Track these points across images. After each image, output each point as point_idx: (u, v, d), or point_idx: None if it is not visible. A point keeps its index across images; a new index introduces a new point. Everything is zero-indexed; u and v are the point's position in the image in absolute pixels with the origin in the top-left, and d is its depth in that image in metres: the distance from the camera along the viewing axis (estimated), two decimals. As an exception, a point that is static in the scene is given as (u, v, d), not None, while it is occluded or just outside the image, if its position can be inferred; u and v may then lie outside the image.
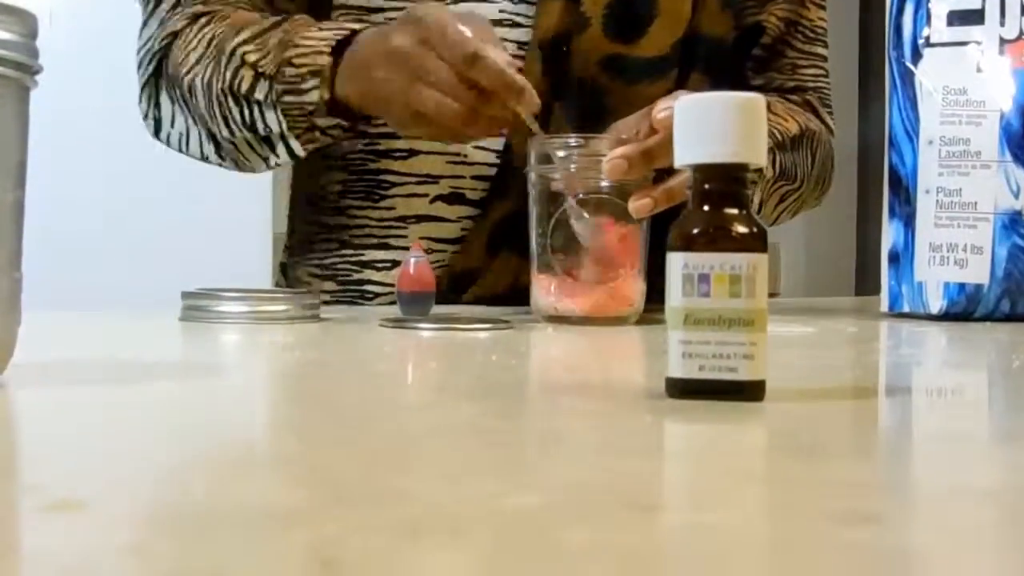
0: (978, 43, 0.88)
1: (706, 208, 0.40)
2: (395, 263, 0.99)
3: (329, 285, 1.04)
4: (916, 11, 0.91)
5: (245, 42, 0.89)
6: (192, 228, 1.96)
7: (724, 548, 0.22)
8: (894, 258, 0.90)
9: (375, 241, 1.01)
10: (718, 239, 0.39)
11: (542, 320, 0.79)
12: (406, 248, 0.96)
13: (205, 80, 0.92)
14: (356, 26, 0.87)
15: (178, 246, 2.07)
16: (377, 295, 1.01)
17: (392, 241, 1.00)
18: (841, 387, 0.49)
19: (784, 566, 0.21)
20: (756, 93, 0.41)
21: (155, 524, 0.23)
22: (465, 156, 0.98)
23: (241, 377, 0.52)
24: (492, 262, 0.99)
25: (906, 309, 0.88)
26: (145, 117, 1.01)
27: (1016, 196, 0.85)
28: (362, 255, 1.02)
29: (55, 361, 0.53)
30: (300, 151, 0.90)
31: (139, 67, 1.00)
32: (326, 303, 1.01)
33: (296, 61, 0.86)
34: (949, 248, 0.87)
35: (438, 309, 0.81)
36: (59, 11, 1.91)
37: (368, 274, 1.02)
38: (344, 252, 1.03)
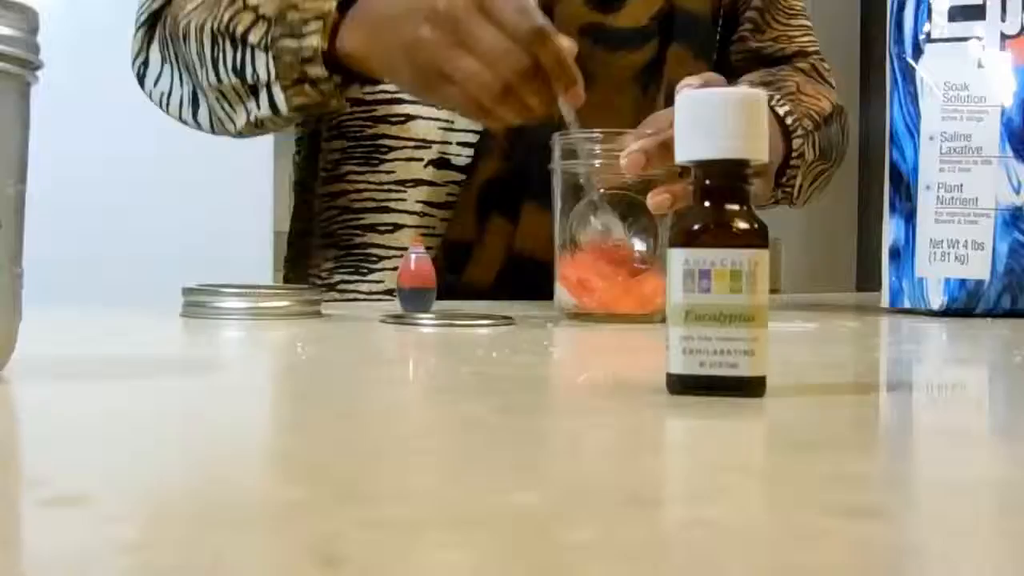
0: (979, 39, 0.88)
1: (707, 204, 0.40)
2: (396, 226, 1.00)
3: (332, 252, 1.05)
4: (917, 7, 0.91)
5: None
6: (193, 224, 1.96)
7: (725, 543, 0.22)
8: (895, 254, 0.90)
9: (375, 205, 1.02)
10: (719, 235, 0.39)
11: (565, 317, 0.78)
12: (407, 212, 1.00)
13: (200, 23, 0.91)
14: None
15: (179, 242, 2.07)
16: (380, 258, 1.02)
17: (393, 204, 1.01)
18: (842, 383, 0.49)
19: (785, 561, 0.21)
20: (757, 89, 0.41)
21: (156, 519, 0.23)
22: (452, 122, 1.00)
23: (242, 373, 0.52)
24: (484, 230, 1.01)
25: (907, 305, 0.88)
26: (133, 63, 1.01)
27: (1017, 192, 0.85)
28: (362, 219, 1.03)
29: (56, 356, 0.53)
30: (282, 104, 0.88)
31: (137, 13, 1.00)
32: (330, 272, 1.03)
33: (301, 5, 0.84)
34: (950, 244, 0.87)
35: (440, 305, 0.81)
36: (60, 7, 1.91)
37: (371, 237, 1.03)
38: (345, 217, 1.04)
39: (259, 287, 0.90)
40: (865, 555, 0.22)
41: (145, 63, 1.00)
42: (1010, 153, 0.86)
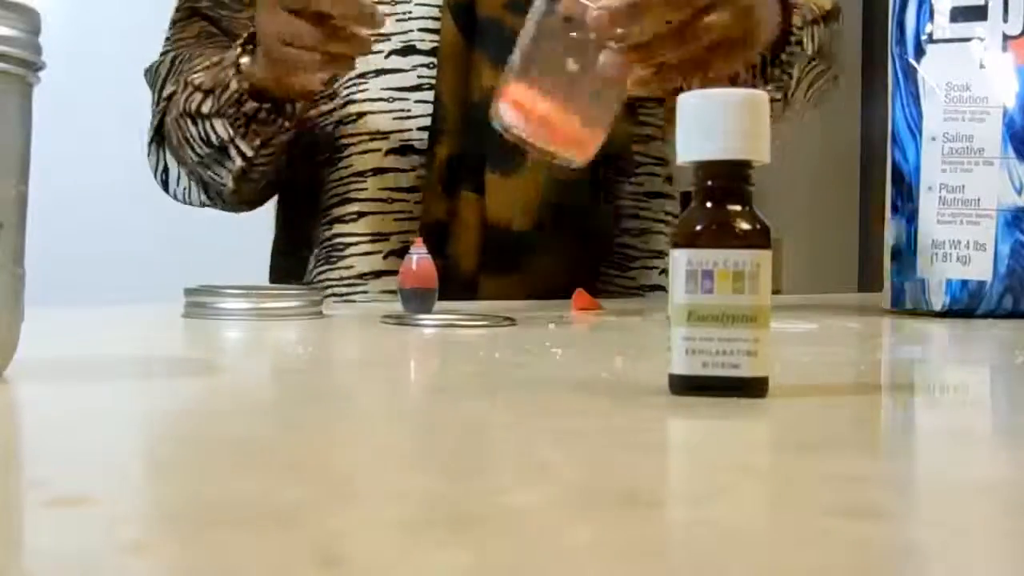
0: (981, 39, 0.88)
1: (709, 205, 0.40)
2: (360, 214, 1.05)
3: (304, 252, 1.10)
4: (919, 7, 0.91)
5: (195, 69, 1.00)
6: (194, 225, 1.96)
7: (727, 544, 0.22)
8: (897, 255, 0.90)
9: (341, 100, 1.07)
10: (721, 235, 0.39)
11: (497, 124, 0.74)
12: (370, 99, 1.05)
13: (172, 117, 1.03)
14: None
15: (180, 242, 2.07)
16: (347, 245, 1.05)
17: (353, 195, 1.06)
18: (844, 383, 0.49)
19: (787, 561, 0.21)
20: (758, 91, 0.41)
21: (157, 520, 0.23)
22: (410, 12, 1.05)
23: (243, 374, 0.52)
24: (455, 207, 1.04)
25: (909, 306, 0.88)
26: (156, 176, 1.12)
27: (1019, 192, 0.85)
28: (329, 213, 1.07)
29: (58, 357, 0.53)
30: (248, 150, 0.97)
31: (148, 134, 1.11)
32: (310, 271, 1.05)
33: (225, 63, 0.96)
34: (952, 245, 0.87)
35: (441, 305, 0.81)
36: (60, 7, 1.91)
37: (337, 228, 1.06)
38: (313, 212, 1.09)
39: (260, 288, 0.90)
40: (865, 555, 0.21)
41: (165, 170, 1.11)
42: (1012, 154, 0.85)
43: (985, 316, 0.86)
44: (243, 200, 1.11)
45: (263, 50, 0.91)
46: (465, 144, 1.04)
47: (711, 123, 0.40)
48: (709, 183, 0.40)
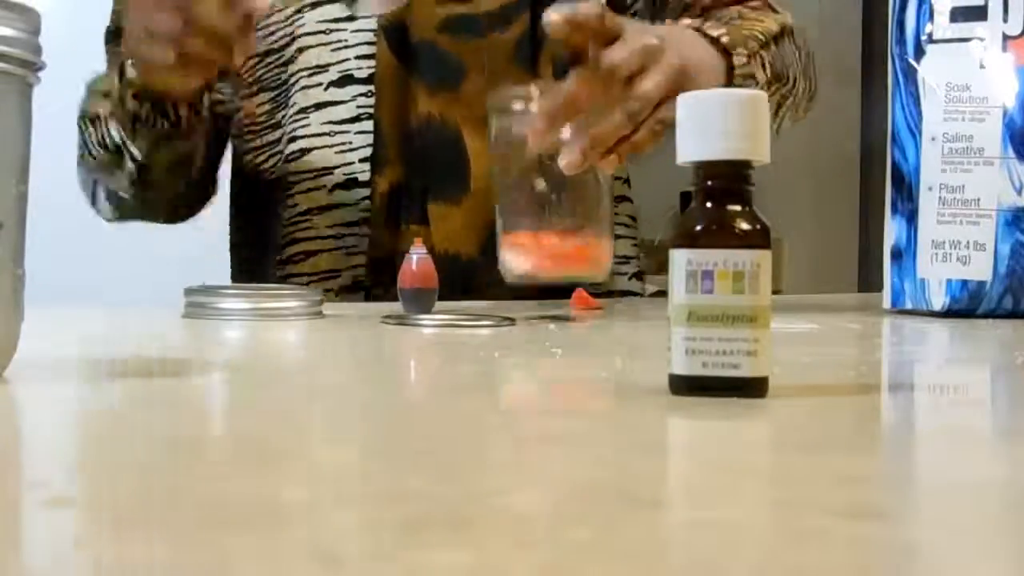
0: (981, 39, 0.88)
1: (709, 205, 0.40)
2: (309, 253, 1.03)
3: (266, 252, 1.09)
4: (919, 7, 0.91)
5: (104, 76, 1.01)
6: (195, 225, 1.96)
7: (727, 544, 0.22)
8: (897, 255, 0.90)
9: (287, 136, 1.05)
10: (721, 235, 0.39)
11: (510, 278, 0.77)
12: (313, 134, 1.03)
13: (77, 120, 1.03)
14: None
15: (180, 243, 2.06)
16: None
17: (299, 131, 1.04)
18: (844, 383, 0.49)
19: (787, 561, 0.21)
20: (758, 91, 0.41)
21: (156, 520, 0.23)
22: (351, 143, 1.02)
23: (243, 374, 0.52)
24: (399, 241, 1.01)
25: (909, 306, 0.88)
26: (84, 189, 1.14)
27: (1019, 192, 0.85)
28: (281, 253, 1.06)
29: (58, 357, 0.53)
30: (137, 153, 0.95)
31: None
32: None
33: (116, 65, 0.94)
34: (952, 245, 0.87)
35: (441, 305, 0.81)
36: (60, 7, 1.91)
37: (288, 268, 1.05)
38: (268, 257, 1.08)
39: (261, 288, 0.90)
40: (865, 555, 0.21)
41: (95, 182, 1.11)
42: (1012, 154, 0.85)
43: (985, 316, 0.86)
44: (151, 210, 1.08)
45: (127, 46, 0.88)
46: (407, 174, 1.02)
47: (711, 123, 0.40)
48: (709, 183, 0.40)
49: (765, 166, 0.41)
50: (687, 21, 0.93)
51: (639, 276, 1.18)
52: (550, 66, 1.03)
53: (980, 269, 0.86)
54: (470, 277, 1.00)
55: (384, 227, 1.01)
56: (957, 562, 0.21)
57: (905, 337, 0.75)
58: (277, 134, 1.05)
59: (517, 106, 0.78)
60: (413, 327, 0.72)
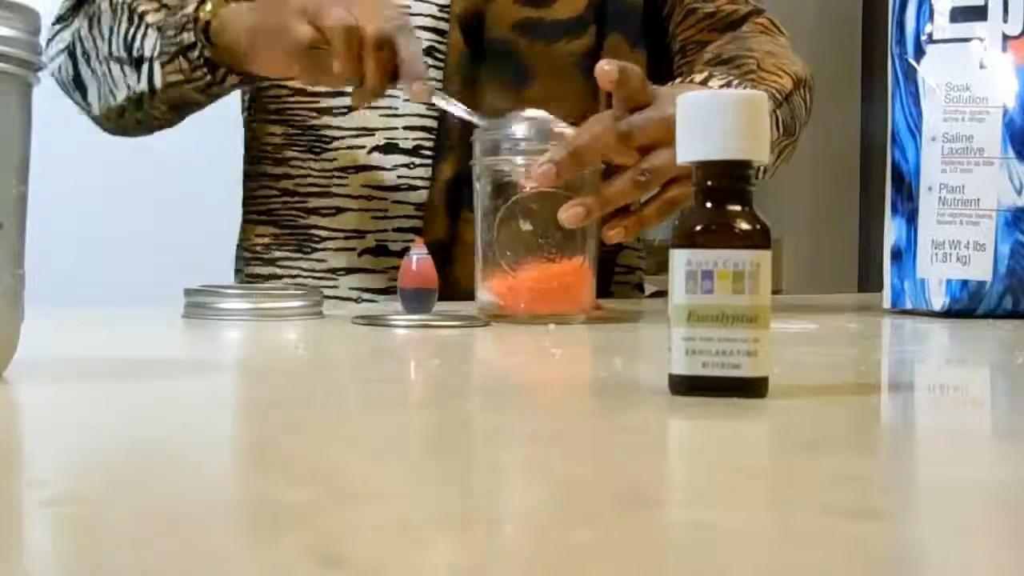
0: (981, 39, 0.88)
1: (709, 205, 0.40)
2: (339, 209, 1.03)
3: (269, 230, 1.07)
4: (919, 7, 0.91)
5: None
6: (194, 225, 1.96)
7: (727, 544, 0.22)
8: (896, 255, 0.90)
9: (318, 189, 1.04)
10: (721, 235, 0.39)
11: (485, 318, 0.77)
12: (349, 196, 1.03)
13: (112, 2, 0.98)
14: None
15: (180, 243, 2.06)
16: (323, 239, 1.04)
17: (335, 189, 1.04)
18: (844, 383, 0.49)
19: (786, 561, 0.21)
20: (758, 92, 0.41)
21: (157, 521, 0.23)
22: (396, 108, 1.02)
23: (243, 374, 0.52)
24: (456, 230, 1.02)
25: (909, 306, 0.88)
26: (48, 48, 1.06)
27: (1019, 193, 0.85)
28: (306, 202, 1.05)
29: (58, 358, 0.53)
30: (158, 79, 0.93)
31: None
32: (266, 248, 1.05)
33: None
34: (952, 245, 0.86)
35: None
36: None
37: (314, 220, 1.05)
38: (286, 199, 1.07)
39: (260, 288, 0.90)
40: (865, 555, 0.21)
41: (62, 23, 1.05)
42: (1012, 154, 0.85)
43: (985, 316, 0.86)
44: (112, 124, 1.06)
45: (251, 28, 0.87)
46: (468, 165, 1.02)
47: (711, 123, 0.40)
48: (709, 183, 0.41)
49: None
50: (714, 61, 0.96)
51: (640, 287, 1.19)
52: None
53: (980, 269, 0.85)
54: None
55: (442, 215, 1.02)
56: (957, 562, 0.21)
57: (905, 337, 0.75)
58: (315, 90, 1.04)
59: (505, 144, 0.78)
60: (384, 328, 0.72)
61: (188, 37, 0.90)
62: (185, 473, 0.29)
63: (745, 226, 0.39)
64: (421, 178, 1.02)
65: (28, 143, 0.42)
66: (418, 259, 0.80)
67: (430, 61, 1.01)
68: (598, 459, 0.31)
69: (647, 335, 0.70)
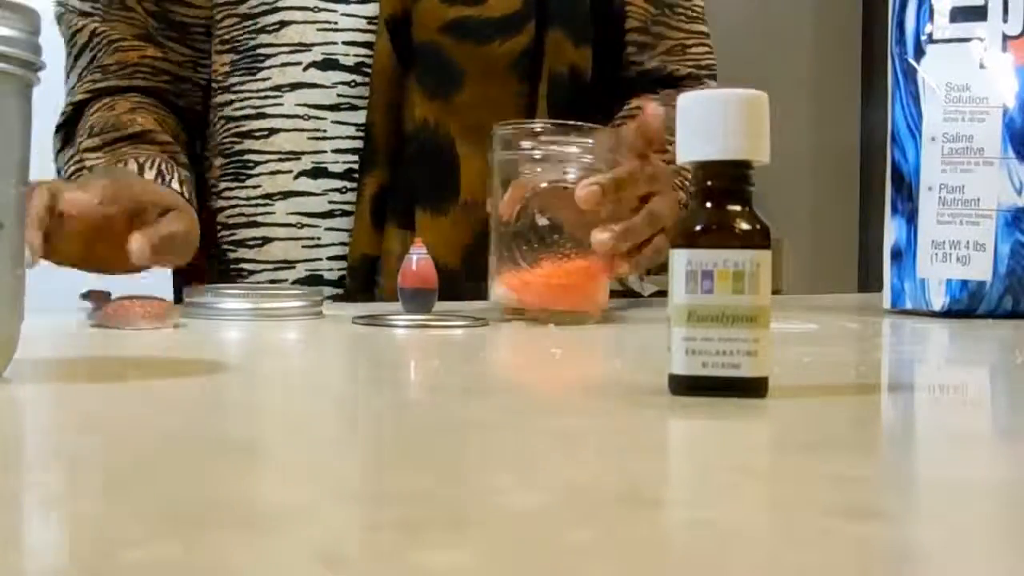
0: (981, 39, 0.88)
1: (709, 205, 0.40)
2: (266, 239, 1.01)
3: (213, 264, 1.06)
4: (919, 7, 0.91)
5: (90, 148, 0.97)
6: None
7: (727, 544, 0.22)
8: (896, 255, 0.90)
9: (245, 220, 1.03)
10: (721, 235, 0.39)
11: (501, 315, 0.77)
12: (275, 224, 1.01)
13: (55, 154, 1.02)
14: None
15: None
16: (252, 272, 1.03)
17: (260, 219, 1.02)
18: (844, 383, 0.49)
19: (787, 561, 0.21)
20: (758, 92, 0.41)
21: (157, 521, 0.23)
22: (324, 131, 1.00)
23: (243, 374, 0.52)
24: (383, 243, 1.00)
25: (909, 306, 0.88)
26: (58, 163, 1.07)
27: (1019, 193, 0.85)
28: (235, 234, 1.04)
29: (57, 358, 0.53)
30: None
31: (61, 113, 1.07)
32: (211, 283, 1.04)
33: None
34: (952, 245, 0.86)
35: (392, 307, 0.81)
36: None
37: (241, 252, 1.03)
38: (222, 233, 1.05)
39: (260, 288, 0.90)
40: (865, 555, 0.21)
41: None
42: (1012, 154, 0.85)
43: (985, 316, 0.86)
44: None
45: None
46: (395, 177, 1.00)
47: (711, 123, 0.40)
48: (709, 183, 0.40)
49: (765, 166, 0.41)
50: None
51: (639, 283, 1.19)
52: (547, 83, 1.03)
53: (980, 269, 0.85)
54: (450, 287, 0.95)
55: (368, 228, 1.00)
56: (957, 562, 0.21)
57: (905, 337, 0.75)
58: (228, 98, 1.02)
59: (524, 143, 0.78)
60: (385, 328, 0.72)
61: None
62: (185, 473, 0.29)
63: (745, 226, 0.39)
64: (350, 202, 1.01)
65: (28, 143, 0.42)
66: (418, 259, 0.80)
67: (358, 79, 0.99)
68: (598, 459, 0.31)
69: (647, 335, 0.70)
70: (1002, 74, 0.87)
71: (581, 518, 0.24)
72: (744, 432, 0.36)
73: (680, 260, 0.39)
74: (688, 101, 0.41)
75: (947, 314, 0.86)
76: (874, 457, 0.33)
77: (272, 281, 1.01)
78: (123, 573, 0.20)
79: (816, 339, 0.69)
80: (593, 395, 0.45)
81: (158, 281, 1.01)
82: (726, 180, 0.40)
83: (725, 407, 0.38)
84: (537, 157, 0.77)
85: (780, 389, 0.40)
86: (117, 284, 0.74)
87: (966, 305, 0.86)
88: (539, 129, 0.79)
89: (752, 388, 0.39)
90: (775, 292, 0.40)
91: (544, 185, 0.77)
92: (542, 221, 0.77)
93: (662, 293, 0.92)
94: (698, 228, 0.40)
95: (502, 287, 0.77)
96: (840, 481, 0.28)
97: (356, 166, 1.00)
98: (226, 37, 1.03)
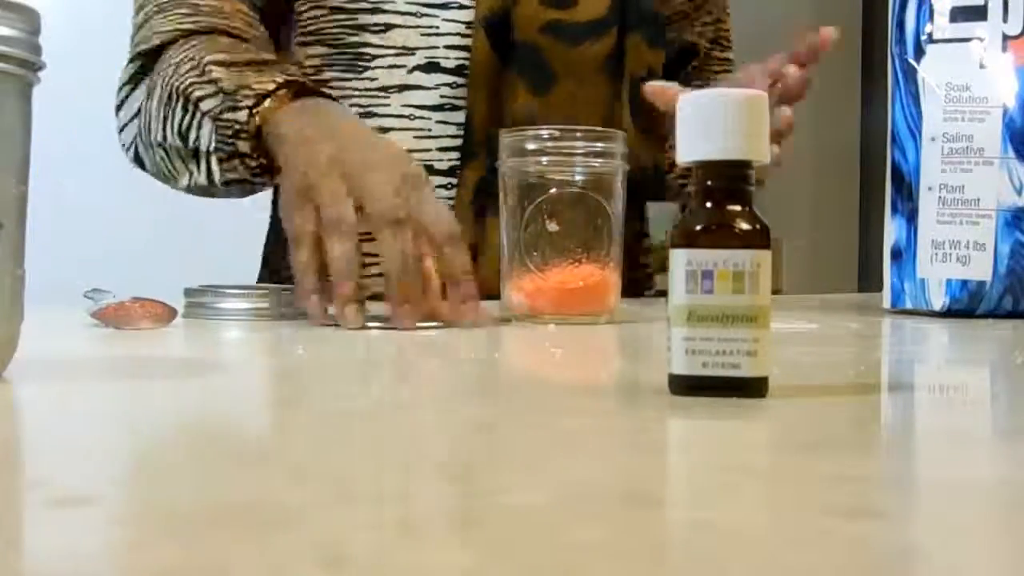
0: (981, 39, 0.88)
1: (709, 205, 0.40)
2: (383, 129, 1.02)
3: None
4: (919, 7, 0.91)
5: (218, 62, 0.89)
6: (194, 225, 1.96)
7: (727, 544, 0.22)
8: (896, 255, 0.90)
9: (360, 110, 1.03)
10: (721, 235, 0.39)
11: (513, 318, 0.77)
12: (392, 116, 1.02)
13: (164, 79, 0.92)
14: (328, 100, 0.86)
15: (180, 243, 2.07)
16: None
17: (377, 109, 1.03)
18: (844, 383, 0.49)
19: (787, 562, 0.21)
20: (758, 92, 0.41)
21: (158, 521, 0.23)
22: (429, 130, 1.03)
23: (243, 374, 0.52)
24: (484, 232, 1.01)
25: (909, 306, 0.88)
26: (119, 90, 1.03)
27: (1019, 193, 0.85)
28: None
29: (58, 357, 0.53)
30: (217, 175, 0.88)
31: (132, 44, 1.02)
32: None
33: (254, 85, 0.85)
34: (952, 245, 0.86)
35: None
36: (60, 7, 1.91)
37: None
38: None
39: (260, 288, 0.90)
40: (865, 555, 0.22)
41: (127, 97, 1.02)
42: (1012, 154, 0.85)
43: (985, 316, 0.86)
44: (185, 191, 1.00)
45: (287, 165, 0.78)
46: (495, 168, 1.01)
47: (711, 123, 0.40)
48: (709, 183, 0.40)
49: (765, 166, 0.41)
50: None
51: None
52: (628, 84, 1.08)
53: (980, 269, 0.86)
54: None
55: (468, 218, 1.02)
56: (957, 562, 0.21)
57: (905, 337, 0.75)
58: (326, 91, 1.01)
59: (530, 145, 0.78)
60: (381, 328, 0.71)
61: (243, 146, 0.84)
62: (185, 473, 0.29)
63: (745, 226, 0.39)
64: (453, 198, 1.02)
65: (28, 143, 0.42)
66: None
67: (459, 80, 1.02)
68: (598, 459, 0.31)
69: (647, 335, 0.70)
70: (1002, 74, 0.87)
71: (581, 518, 0.24)
72: (744, 432, 0.36)
73: (680, 260, 0.39)
74: (688, 101, 0.41)
75: (947, 314, 0.86)
76: (874, 457, 0.33)
77: None
78: (123, 573, 0.20)
79: (816, 339, 0.69)
80: (593, 395, 0.45)
81: (159, 282, 1.01)
82: (726, 180, 0.40)
83: (725, 407, 0.38)
84: (544, 163, 0.77)
85: (780, 389, 0.40)
86: (118, 284, 0.74)
87: (966, 305, 0.86)
88: (545, 135, 0.79)
89: (752, 388, 0.39)
90: (775, 292, 0.40)
91: (553, 191, 0.77)
92: (553, 227, 0.77)
93: (662, 293, 0.92)
94: (698, 228, 0.40)
95: (515, 293, 0.77)
96: (840, 481, 0.28)
97: (458, 163, 1.03)
98: (311, 28, 1.04)
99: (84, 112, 1.93)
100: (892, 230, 0.90)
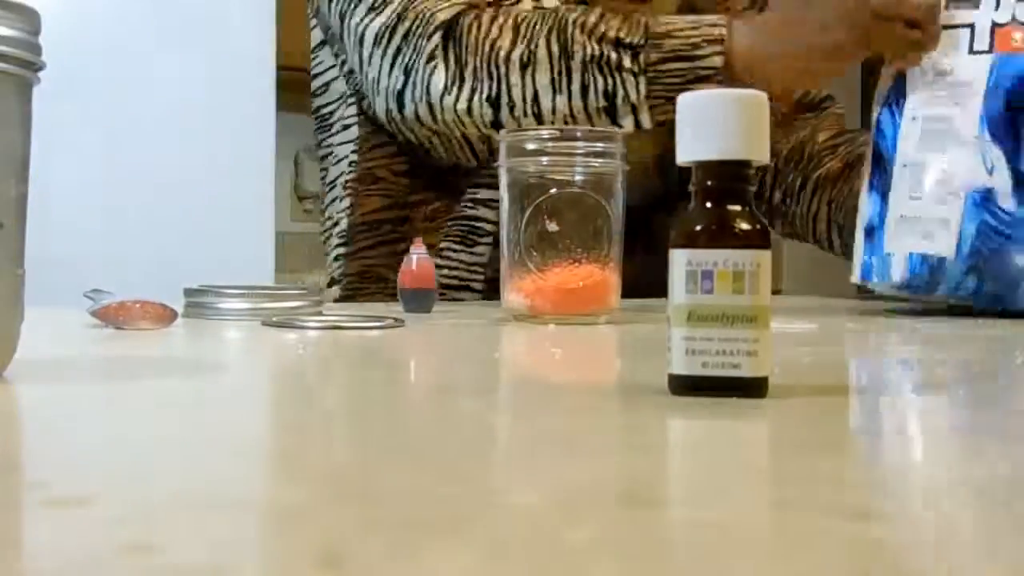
0: (970, 26, 0.88)
1: (709, 205, 0.40)
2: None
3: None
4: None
5: (598, 23, 0.96)
6: (194, 225, 1.96)
7: (726, 544, 0.22)
8: (869, 232, 0.90)
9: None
10: (721, 236, 0.39)
11: (512, 318, 0.77)
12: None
13: (555, 51, 0.97)
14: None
15: (180, 243, 2.07)
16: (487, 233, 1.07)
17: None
18: (843, 384, 0.49)
19: (786, 561, 0.21)
20: (758, 92, 0.41)
21: (158, 520, 0.23)
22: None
23: (243, 374, 0.52)
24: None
25: (874, 280, 0.89)
26: (427, 64, 1.02)
27: (990, 173, 0.85)
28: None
29: (57, 356, 0.53)
30: (646, 122, 0.95)
31: (423, 17, 1.02)
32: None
33: (679, 34, 0.94)
34: (917, 220, 0.87)
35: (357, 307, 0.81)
36: (60, 7, 1.91)
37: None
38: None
39: (260, 288, 0.90)
40: (865, 555, 0.21)
41: (440, 71, 1.02)
42: (987, 136, 0.85)
43: (946, 295, 0.85)
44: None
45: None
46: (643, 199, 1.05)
47: (711, 123, 0.40)
48: (709, 183, 0.40)
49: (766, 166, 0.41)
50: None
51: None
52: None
53: (943, 245, 0.85)
54: None
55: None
56: (956, 562, 0.21)
57: (904, 337, 0.75)
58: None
59: (530, 145, 0.78)
60: (295, 329, 0.71)
61: (704, 71, 0.93)
62: (185, 473, 0.29)
63: (745, 226, 0.39)
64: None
65: (28, 143, 0.42)
66: (418, 259, 0.80)
67: None
68: (598, 459, 0.31)
69: (647, 335, 0.70)
70: (986, 60, 0.87)
71: (581, 518, 0.24)
72: (744, 432, 0.36)
73: (680, 260, 0.39)
74: (688, 101, 0.41)
75: (907, 288, 0.86)
76: (873, 457, 0.33)
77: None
78: (123, 573, 0.20)
79: (816, 339, 0.69)
80: (593, 395, 0.45)
81: (158, 283, 1.01)
82: (726, 180, 0.40)
83: (725, 407, 0.38)
84: (544, 163, 0.77)
85: (780, 389, 0.40)
86: (118, 285, 0.74)
87: (926, 281, 0.86)
88: (546, 135, 0.79)
89: (752, 388, 0.39)
90: (775, 292, 0.40)
91: (553, 191, 0.77)
92: (552, 227, 0.77)
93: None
94: (698, 228, 0.40)
95: (515, 294, 0.77)
96: (839, 481, 0.28)
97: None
98: None
99: (84, 112, 1.93)
100: (867, 207, 0.91)
